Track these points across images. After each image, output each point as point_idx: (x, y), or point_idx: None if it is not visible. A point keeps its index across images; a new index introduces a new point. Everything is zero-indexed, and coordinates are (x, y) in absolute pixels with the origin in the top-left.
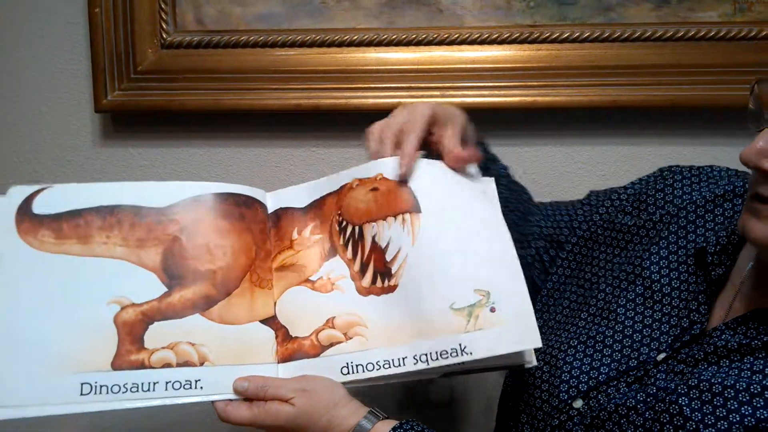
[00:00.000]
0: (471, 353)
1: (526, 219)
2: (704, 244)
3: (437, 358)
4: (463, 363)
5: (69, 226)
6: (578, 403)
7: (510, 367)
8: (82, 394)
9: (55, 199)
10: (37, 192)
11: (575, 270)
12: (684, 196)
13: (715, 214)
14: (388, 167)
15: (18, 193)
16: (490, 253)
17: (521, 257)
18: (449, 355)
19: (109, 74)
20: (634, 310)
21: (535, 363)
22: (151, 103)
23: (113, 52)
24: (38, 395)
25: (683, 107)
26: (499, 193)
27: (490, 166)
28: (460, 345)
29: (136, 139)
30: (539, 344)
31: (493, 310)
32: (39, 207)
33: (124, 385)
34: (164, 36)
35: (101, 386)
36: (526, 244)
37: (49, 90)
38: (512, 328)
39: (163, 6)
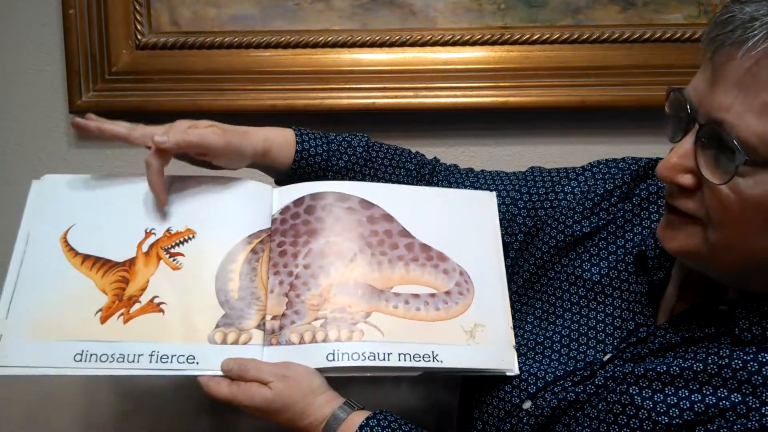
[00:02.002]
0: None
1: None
2: (642, 246)
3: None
4: (433, 369)
5: None
6: (527, 404)
7: (491, 373)
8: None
9: None
10: None
11: (519, 268)
12: (626, 201)
13: (650, 212)
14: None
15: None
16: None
17: None
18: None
19: (83, 75)
20: (579, 313)
21: (516, 372)
22: (126, 104)
23: (88, 53)
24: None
25: (651, 107)
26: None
27: (329, 167)
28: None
29: (111, 140)
30: (515, 370)
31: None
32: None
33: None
34: (139, 37)
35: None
36: None
37: (24, 91)
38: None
39: (137, 7)
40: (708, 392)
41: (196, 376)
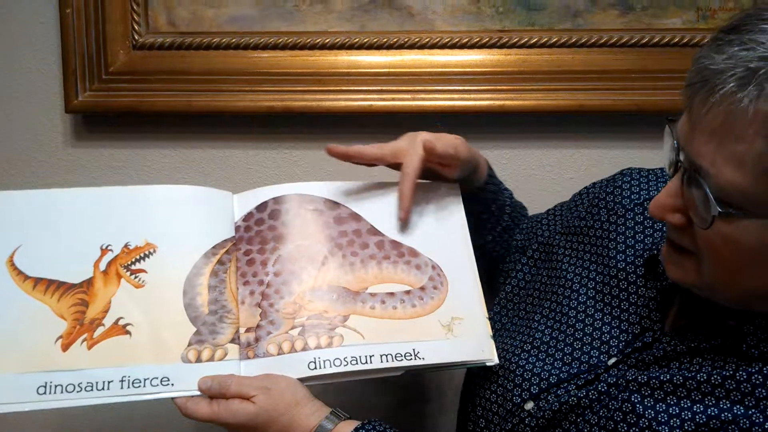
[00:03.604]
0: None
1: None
2: (654, 250)
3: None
4: (416, 366)
5: None
6: (529, 405)
7: (473, 365)
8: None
9: None
10: None
11: (535, 275)
12: (632, 196)
13: None
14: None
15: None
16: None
17: (504, 271)
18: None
19: (80, 75)
20: (585, 313)
21: (496, 361)
22: (123, 104)
23: (84, 53)
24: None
25: (649, 112)
26: (503, 221)
27: (497, 197)
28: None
29: (107, 140)
30: (495, 360)
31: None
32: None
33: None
34: (136, 37)
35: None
36: (508, 258)
37: (20, 90)
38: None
39: (135, 7)
40: (710, 403)
41: (172, 398)
